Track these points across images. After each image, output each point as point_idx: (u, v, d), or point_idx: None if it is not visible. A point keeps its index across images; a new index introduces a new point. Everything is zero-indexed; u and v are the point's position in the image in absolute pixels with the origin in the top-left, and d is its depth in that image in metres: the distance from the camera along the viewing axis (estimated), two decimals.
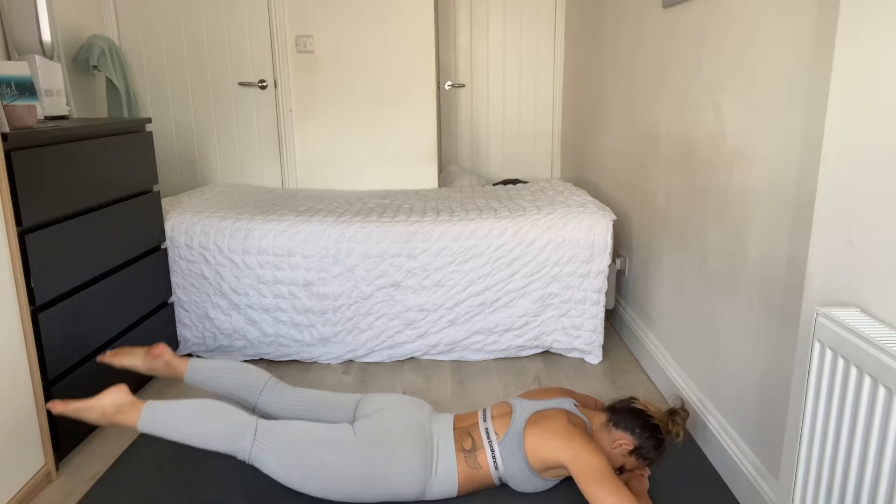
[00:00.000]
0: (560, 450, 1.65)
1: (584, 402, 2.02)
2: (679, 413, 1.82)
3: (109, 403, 1.65)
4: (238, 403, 1.90)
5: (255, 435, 1.65)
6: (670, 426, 1.79)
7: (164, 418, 1.64)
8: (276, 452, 1.64)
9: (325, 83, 3.66)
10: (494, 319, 2.61)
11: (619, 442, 1.75)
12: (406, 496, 1.69)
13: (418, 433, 1.74)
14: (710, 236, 1.97)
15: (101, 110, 3.44)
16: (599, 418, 1.82)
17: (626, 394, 2.39)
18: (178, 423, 1.63)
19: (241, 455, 1.64)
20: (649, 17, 2.52)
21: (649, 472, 1.81)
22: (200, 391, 2.41)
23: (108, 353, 1.96)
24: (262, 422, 1.68)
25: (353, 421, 1.86)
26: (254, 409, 1.89)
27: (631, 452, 1.75)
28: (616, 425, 1.77)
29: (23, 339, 1.78)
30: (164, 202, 2.91)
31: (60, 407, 1.66)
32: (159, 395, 2.41)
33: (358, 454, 1.66)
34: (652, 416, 1.77)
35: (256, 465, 1.66)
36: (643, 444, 1.74)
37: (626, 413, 1.78)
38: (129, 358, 1.95)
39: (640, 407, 1.79)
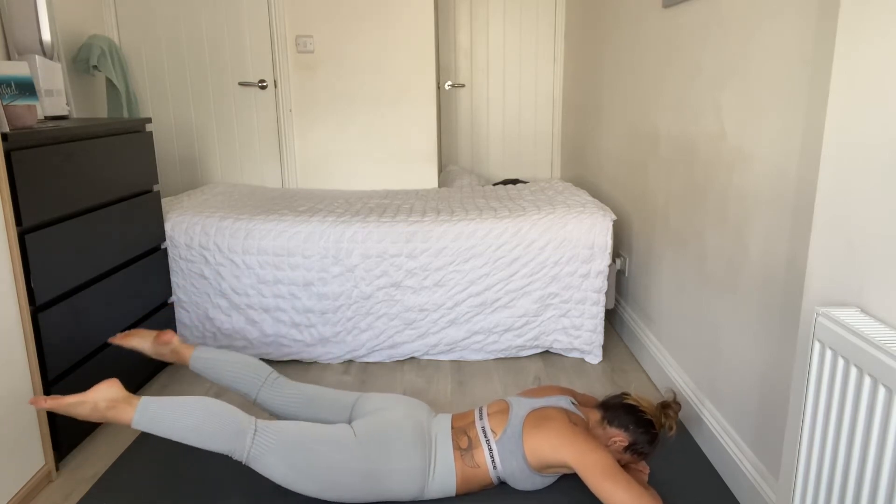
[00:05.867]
0: (563, 450, 1.65)
1: (582, 400, 2.02)
2: (671, 406, 1.82)
3: (102, 398, 1.59)
4: (239, 395, 1.91)
5: (254, 434, 1.62)
6: (663, 420, 1.79)
7: (160, 415, 1.58)
8: (276, 451, 1.62)
9: (325, 83, 3.66)
10: (494, 319, 2.61)
11: (614, 439, 1.75)
12: (405, 496, 1.69)
13: (418, 432, 1.74)
14: (710, 236, 1.97)
15: (101, 110, 3.44)
16: (594, 416, 1.83)
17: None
18: (176, 421, 1.58)
19: (239, 455, 1.61)
20: (649, 17, 2.52)
21: (648, 470, 1.81)
22: (199, 389, 2.41)
23: (119, 335, 1.97)
24: (262, 422, 1.66)
25: (349, 420, 1.86)
26: (254, 403, 1.90)
27: (626, 449, 1.75)
28: (610, 422, 1.77)
29: (23, 339, 1.78)
30: (165, 202, 2.91)
31: (50, 402, 1.57)
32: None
33: (359, 451, 1.66)
34: (644, 412, 1.77)
35: (254, 465, 1.63)
36: (637, 440, 1.75)
37: (619, 410, 1.78)
38: (139, 340, 1.97)
39: (632, 403, 1.79)
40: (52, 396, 1.57)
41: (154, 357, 1.98)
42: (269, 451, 1.62)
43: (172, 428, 1.58)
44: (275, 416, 1.91)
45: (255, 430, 1.63)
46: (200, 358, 1.91)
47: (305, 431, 1.67)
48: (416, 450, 1.70)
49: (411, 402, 1.86)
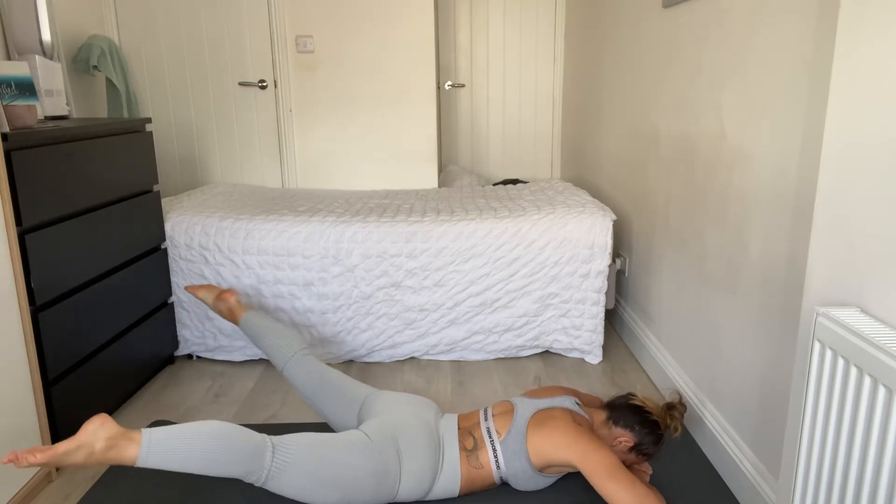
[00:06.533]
0: (567, 449, 1.65)
1: (587, 401, 2.02)
2: (677, 407, 1.82)
3: (98, 438, 1.43)
4: (271, 362, 2.09)
5: (273, 451, 1.56)
6: (668, 420, 1.79)
7: (170, 446, 1.46)
8: (296, 465, 1.57)
9: (325, 83, 3.66)
10: (494, 319, 2.61)
11: (620, 439, 1.75)
12: (411, 496, 1.69)
13: (429, 432, 1.74)
14: (710, 236, 1.97)
15: (101, 110, 3.44)
16: (599, 416, 1.83)
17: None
18: (188, 449, 1.47)
19: (257, 474, 1.54)
20: (649, 17, 2.52)
21: (651, 471, 1.81)
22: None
23: (193, 285, 2.36)
24: (275, 437, 1.62)
25: (357, 416, 1.87)
26: (281, 373, 2.03)
27: (631, 449, 1.75)
28: (615, 423, 1.77)
29: (23, 339, 1.78)
30: (165, 202, 2.91)
31: (40, 456, 1.38)
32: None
33: (376, 454, 1.65)
34: (650, 413, 1.77)
35: (271, 483, 1.55)
36: (643, 441, 1.74)
37: (624, 410, 1.78)
38: (206, 293, 2.32)
39: (638, 403, 1.79)
40: (39, 449, 1.40)
41: (213, 311, 2.32)
42: (290, 466, 1.57)
43: (185, 457, 1.46)
44: (296, 389, 1.99)
45: (274, 447, 1.58)
46: (249, 323, 2.14)
47: (322, 440, 1.65)
48: (429, 451, 1.70)
49: (420, 402, 1.86)
